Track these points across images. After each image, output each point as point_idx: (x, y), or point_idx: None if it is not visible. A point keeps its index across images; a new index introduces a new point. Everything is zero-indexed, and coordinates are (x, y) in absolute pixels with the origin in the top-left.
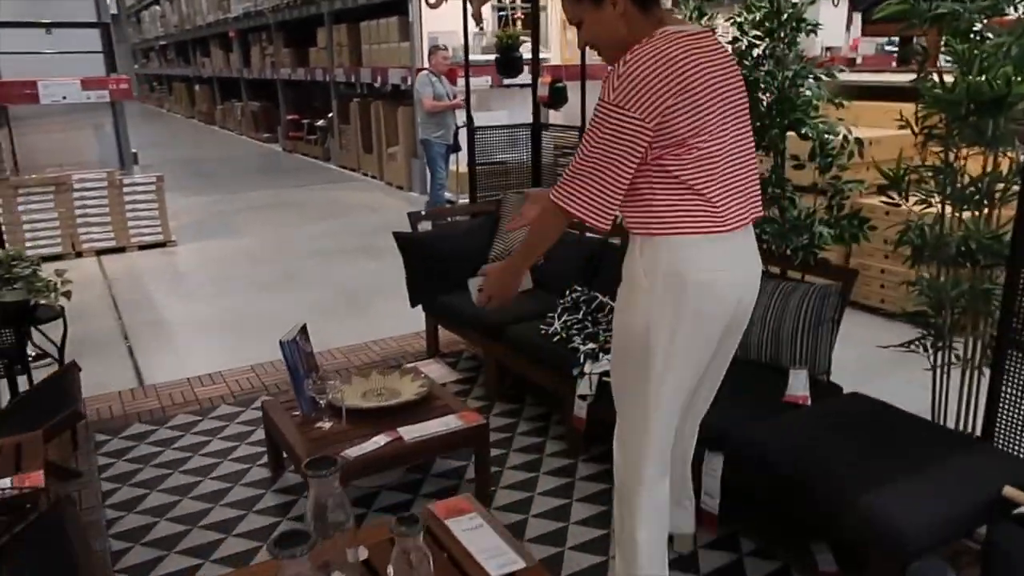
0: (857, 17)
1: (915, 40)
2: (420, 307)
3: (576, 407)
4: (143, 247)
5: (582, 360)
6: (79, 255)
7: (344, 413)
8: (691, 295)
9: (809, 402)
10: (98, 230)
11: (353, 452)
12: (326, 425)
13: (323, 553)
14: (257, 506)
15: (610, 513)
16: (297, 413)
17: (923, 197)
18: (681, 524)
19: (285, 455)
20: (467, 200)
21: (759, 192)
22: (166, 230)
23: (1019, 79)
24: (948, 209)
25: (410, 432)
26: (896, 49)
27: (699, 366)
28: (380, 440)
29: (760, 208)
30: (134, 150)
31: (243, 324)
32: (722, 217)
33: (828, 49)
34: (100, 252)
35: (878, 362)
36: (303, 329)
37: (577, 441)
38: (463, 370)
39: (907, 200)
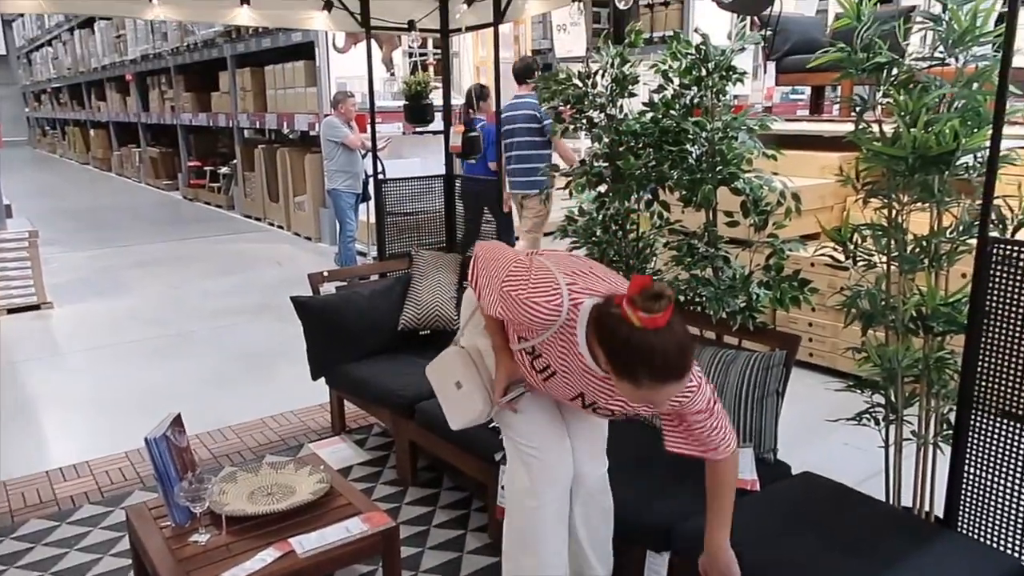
0: (771, 66)
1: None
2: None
3: (499, 496)
4: (12, 311)
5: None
6: None
7: (224, 522)
8: None
9: (758, 487)
10: None
11: (233, 575)
12: (203, 538)
13: None
14: None
15: None
16: (168, 524)
17: (867, 259)
18: None
19: None
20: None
21: None
22: (40, 291)
23: (968, 132)
24: (894, 270)
25: (305, 543)
26: (802, 97)
27: None
28: (268, 556)
29: None
30: (7, 202)
31: (123, 400)
32: None
33: (736, 97)
34: None
35: (813, 422)
36: (176, 420)
37: (501, 534)
38: (373, 448)
39: (855, 262)
